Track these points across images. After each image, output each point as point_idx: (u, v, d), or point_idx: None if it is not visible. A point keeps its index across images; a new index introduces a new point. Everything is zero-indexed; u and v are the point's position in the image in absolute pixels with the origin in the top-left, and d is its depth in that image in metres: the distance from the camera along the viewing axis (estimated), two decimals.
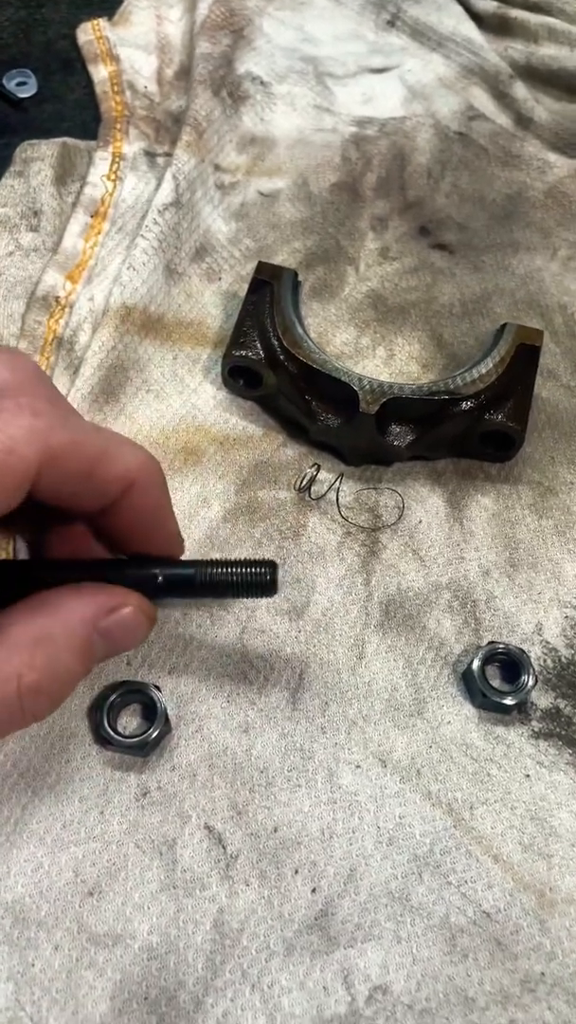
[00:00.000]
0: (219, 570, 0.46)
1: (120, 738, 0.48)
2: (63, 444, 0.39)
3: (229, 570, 0.46)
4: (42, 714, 0.42)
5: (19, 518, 0.42)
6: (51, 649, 0.40)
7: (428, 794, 0.49)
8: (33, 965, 0.44)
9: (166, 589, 0.46)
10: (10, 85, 0.81)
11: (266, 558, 0.48)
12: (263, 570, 0.46)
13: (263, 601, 0.55)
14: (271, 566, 0.46)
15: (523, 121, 0.80)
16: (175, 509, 0.57)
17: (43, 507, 0.43)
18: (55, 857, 0.47)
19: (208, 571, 0.46)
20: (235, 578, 0.45)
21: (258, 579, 0.46)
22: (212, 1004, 0.43)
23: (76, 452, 0.40)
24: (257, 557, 0.49)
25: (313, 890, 0.47)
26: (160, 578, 0.46)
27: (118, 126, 0.74)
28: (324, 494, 0.59)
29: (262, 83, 0.79)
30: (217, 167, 0.72)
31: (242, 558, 0.47)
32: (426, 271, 0.70)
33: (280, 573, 0.47)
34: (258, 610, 0.55)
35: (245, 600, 0.55)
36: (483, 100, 0.81)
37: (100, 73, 0.80)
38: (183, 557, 0.50)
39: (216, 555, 0.56)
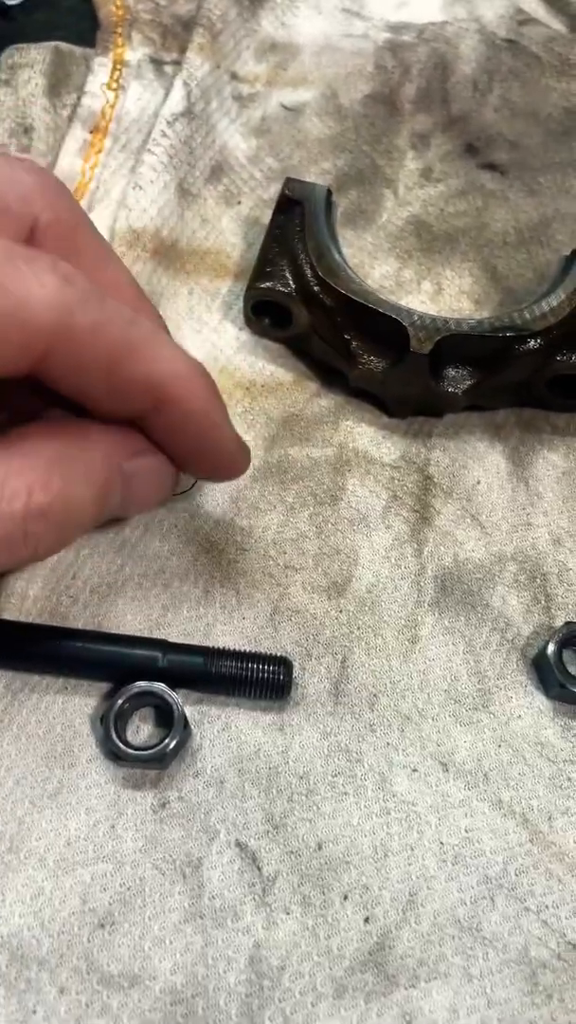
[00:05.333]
0: (232, 663, 0.43)
1: (133, 751, 0.40)
2: (85, 326, 0.32)
3: (242, 664, 0.43)
4: (42, 549, 0.35)
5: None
6: (69, 474, 0.34)
7: (498, 803, 0.42)
8: (35, 1012, 0.37)
9: (167, 675, 0.42)
10: None
11: (281, 655, 0.44)
12: (277, 668, 0.43)
13: (298, 576, 0.47)
14: (286, 665, 0.43)
15: None
16: None
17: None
18: (59, 881, 0.39)
19: (220, 663, 0.43)
20: (248, 674, 0.43)
21: (272, 678, 0.43)
22: None
23: (96, 340, 0.33)
24: (271, 653, 0.44)
25: (366, 919, 0.39)
26: (163, 660, 0.42)
27: (119, 30, 0.64)
28: None
29: None
30: (234, 76, 0.62)
31: (250, 651, 0.44)
32: (475, 194, 0.61)
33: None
34: (292, 586, 0.47)
35: (275, 573, 0.47)
36: (532, 3, 0.71)
37: None
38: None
39: (244, 524, 0.48)
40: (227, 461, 0.41)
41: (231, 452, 0.40)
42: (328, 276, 0.49)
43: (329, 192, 0.53)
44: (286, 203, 0.52)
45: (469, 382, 0.49)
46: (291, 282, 0.50)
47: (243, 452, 0.41)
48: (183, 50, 0.64)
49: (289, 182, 0.52)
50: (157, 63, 0.63)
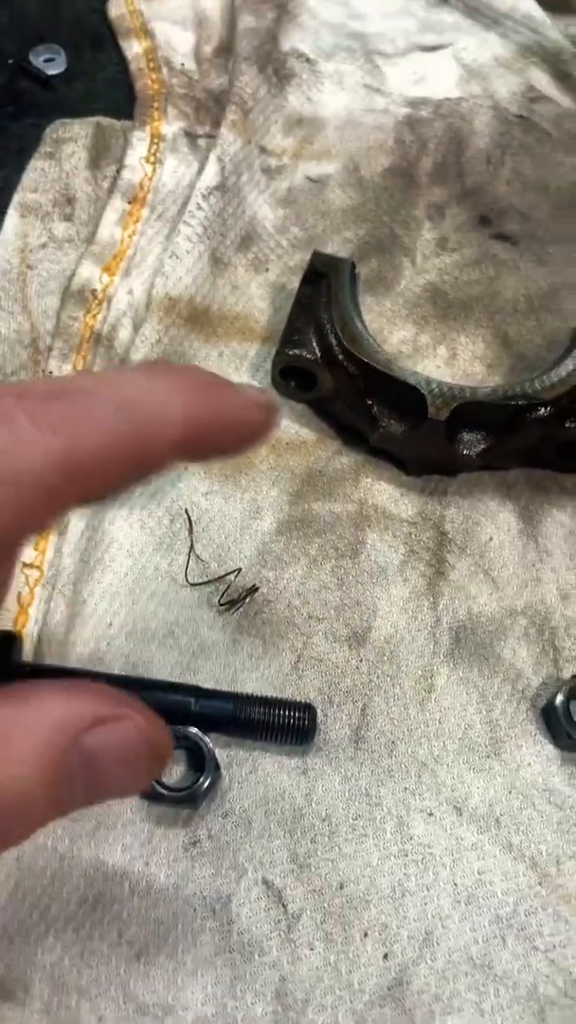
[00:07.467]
0: (259, 709, 0.46)
1: (167, 792, 0.43)
2: (90, 452, 0.26)
3: (269, 711, 0.46)
4: None
5: None
6: (5, 755, 0.26)
7: (509, 846, 0.44)
8: None
9: (199, 720, 0.45)
10: (37, 62, 0.75)
11: (305, 702, 0.47)
12: (302, 715, 0.46)
13: (320, 626, 0.50)
14: (310, 711, 0.46)
15: None
16: (224, 522, 0.53)
17: None
18: (97, 915, 0.42)
19: (248, 709, 0.46)
20: (274, 720, 0.45)
21: (297, 724, 0.45)
22: None
23: (106, 454, 0.27)
24: (295, 699, 0.47)
25: (385, 956, 0.42)
26: (195, 705, 0.45)
27: (155, 104, 0.68)
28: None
29: (308, 60, 0.73)
30: (263, 149, 0.66)
31: (280, 697, 0.46)
32: (488, 263, 0.64)
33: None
34: (315, 636, 0.50)
35: (299, 623, 0.50)
36: (544, 81, 0.76)
37: (133, 49, 0.74)
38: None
39: (269, 575, 0.51)
40: (248, 416, 0.30)
41: (246, 412, 0.30)
42: (352, 345, 0.52)
43: (353, 265, 0.56)
44: (313, 274, 0.56)
45: (483, 445, 0.53)
46: (316, 349, 0.54)
47: (262, 401, 0.31)
48: (215, 123, 0.68)
49: (316, 255, 0.56)
50: (191, 136, 0.67)
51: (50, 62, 0.76)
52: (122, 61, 0.75)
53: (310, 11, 0.78)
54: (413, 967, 0.41)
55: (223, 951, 0.41)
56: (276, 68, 0.71)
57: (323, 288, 0.55)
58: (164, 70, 0.72)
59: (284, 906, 0.42)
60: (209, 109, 0.70)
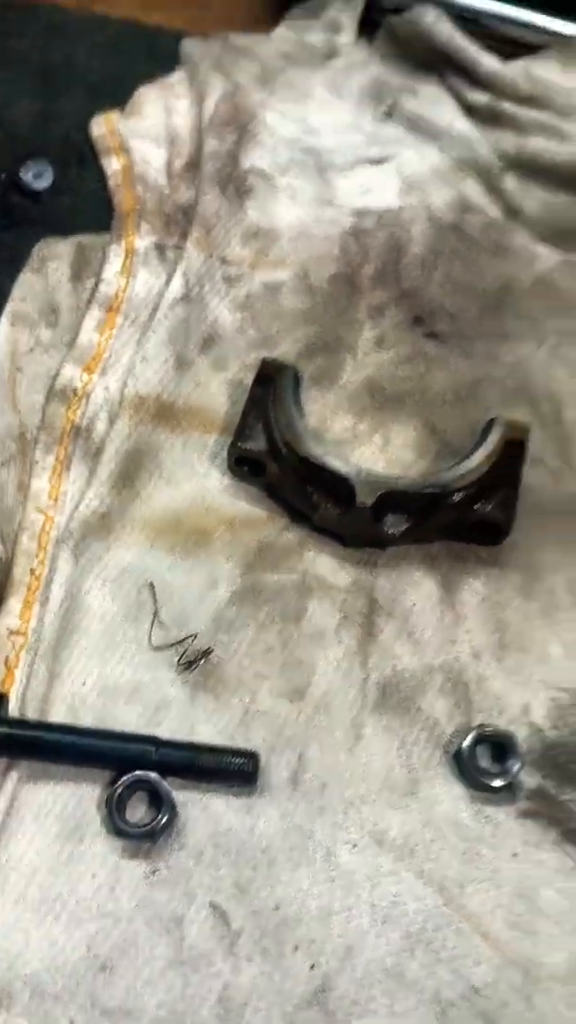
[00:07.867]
0: (210, 756, 0.54)
1: (130, 828, 0.51)
2: None
3: (219, 758, 0.54)
4: None
5: None
6: None
7: (421, 873, 0.52)
8: None
9: (159, 766, 0.53)
10: (27, 177, 0.85)
11: (250, 750, 0.54)
12: (247, 761, 0.54)
13: (266, 683, 0.59)
14: (254, 758, 0.54)
15: (512, 212, 0.84)
16: (184, 592, 0.61)
17: None
18: (70, 934, 0.49)
19: (201, 756, 0.54)
20: (223, 765, 0.53)
21: (243, 769, 0.53)
22: None
23: None
24: (242, 748, 0.55)
25: (312, 966, 0.49)
26: (155, 754, 0.53)
27: (130, 219, 0.78)
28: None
29: (265, 176, 0.83)
30: (224, 260, 0.76)
31: (225, 746, 0.54)
32: (420, 360, 0.74)
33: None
34: (260, 691, 0.58)
35: (247, 680, 0.58)
36: (476, 192, 0.86)
37: (112, 166, 0.84)
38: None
39: (223, 638, 0.60)
40: None
41: None
42: (292, 442, 0.61)
43: (295, 371, 0.66)
44: (262, 377, 0.65)
45: (405, 525, 0.61)
46: (265, 442, 0.63)
47: None
48: (183, 235, 0.78)
49: (264, 362, 0.65)
50: (160, 248, 0.77)
51: (39, 177, 0.85)
52: (103, 177, 0.85)
53: (269, 129, 0.88)
54: (336, 976, 0.49)
55: (175, 964, 0.49)
56: (237, 186, 0.81)
57: (271, 390, 0.64)
58: (139, 186, 0.82)
59: (228, 925, 0.50)
60: (178, 222, 0.79)
